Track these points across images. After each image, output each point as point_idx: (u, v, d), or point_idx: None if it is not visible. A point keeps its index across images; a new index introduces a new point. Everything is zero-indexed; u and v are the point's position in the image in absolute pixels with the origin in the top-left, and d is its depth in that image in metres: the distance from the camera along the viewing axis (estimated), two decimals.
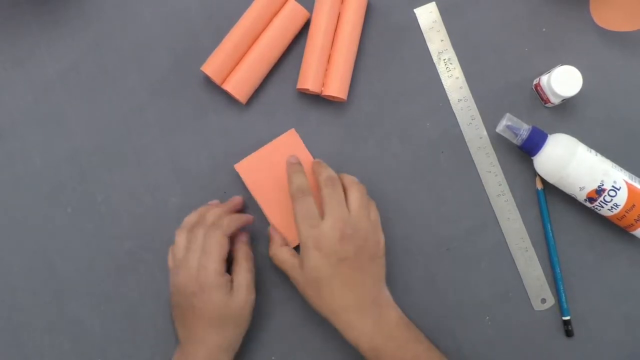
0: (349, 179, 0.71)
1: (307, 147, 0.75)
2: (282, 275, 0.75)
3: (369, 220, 0.69)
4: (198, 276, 0.67)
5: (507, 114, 0.72)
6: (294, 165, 0.72)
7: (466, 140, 0.76)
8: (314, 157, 0.75)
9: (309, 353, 0.76)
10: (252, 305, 0.70)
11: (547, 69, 0.75)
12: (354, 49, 0.75)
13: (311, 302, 0.69)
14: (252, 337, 0.75)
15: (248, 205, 0.76)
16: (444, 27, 0.76)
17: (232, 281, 0.69)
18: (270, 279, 0.76)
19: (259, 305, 0.74)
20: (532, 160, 0.74)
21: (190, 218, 0.72)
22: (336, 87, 0.73)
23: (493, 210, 0.76)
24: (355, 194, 0.69)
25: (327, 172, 0.70)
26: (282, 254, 0.70)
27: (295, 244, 0.73)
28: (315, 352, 0.76)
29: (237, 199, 0.74)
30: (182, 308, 0.69)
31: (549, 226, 0.75)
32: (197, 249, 0.68)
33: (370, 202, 0.71)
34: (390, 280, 0.75)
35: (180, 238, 0.70)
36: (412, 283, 0.76)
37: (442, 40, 0.76)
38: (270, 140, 0.75)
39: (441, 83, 0.76)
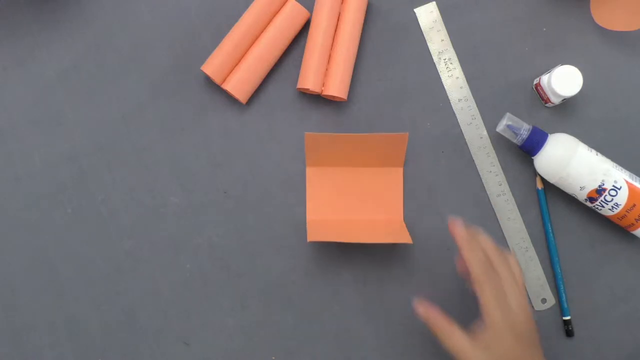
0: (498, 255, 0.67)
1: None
2: (281, 276, 0.75)
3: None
4: None
5: (508, 114, 0.72)
6: (469, 242, 0.65)
7: (466, 140, 0.76)
8: None
9: (309, 353, 0.76)
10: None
11: (548, 68, 0.75)
12: (354, 49, 0.75)
13: None
14: (252, 336, 0.75)
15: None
16: (444, 27, 0.76)
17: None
18: (269, 279, 0.76)
19: (259, 305, 0.74)
20: (532, 160, 0.74)
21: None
22: (336, 87, 0.73)
23: (493, 210, 0.76)
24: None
25: (485, 246, 0.66)
26: (461, 344, 0.64)
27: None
28: (316, 352, 0.76)
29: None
30: None
31: (549, 226, 0.75)
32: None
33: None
34: (391, 280, 0.75)
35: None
36: (413, 283, 0.76)
37: (442, 40, 0.76)
38: (269, 138, 0.74)
39: (441, 83, 0.76)
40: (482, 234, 0.67)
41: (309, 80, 0.73)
